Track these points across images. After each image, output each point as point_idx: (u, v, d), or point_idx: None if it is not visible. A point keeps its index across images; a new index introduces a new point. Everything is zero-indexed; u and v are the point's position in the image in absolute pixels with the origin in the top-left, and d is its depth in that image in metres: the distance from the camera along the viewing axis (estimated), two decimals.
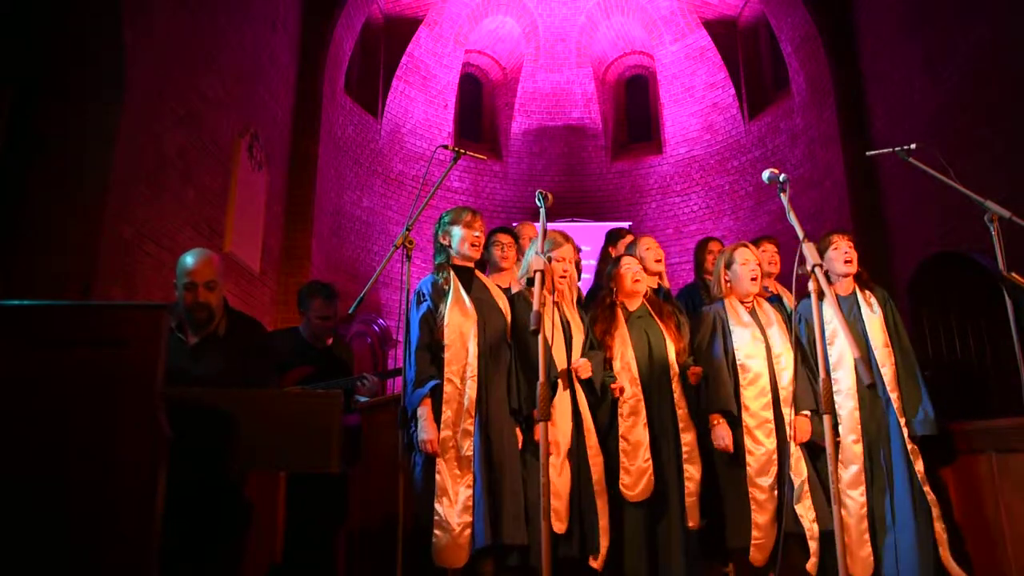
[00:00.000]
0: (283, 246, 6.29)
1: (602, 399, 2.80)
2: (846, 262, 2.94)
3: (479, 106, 9.73)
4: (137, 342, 1.47)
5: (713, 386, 2.84)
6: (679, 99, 9.13)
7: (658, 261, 3.43)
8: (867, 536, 2.68)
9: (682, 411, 2.83)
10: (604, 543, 2.56)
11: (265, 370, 2.66)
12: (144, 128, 3.88)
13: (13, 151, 3.40)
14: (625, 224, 8.66)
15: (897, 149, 2.84)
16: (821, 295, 2.01)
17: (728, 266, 3.02)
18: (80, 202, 3.46)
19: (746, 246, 3.07)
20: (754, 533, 2.67)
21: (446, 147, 2.76)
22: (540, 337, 2.02)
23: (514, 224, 4.64)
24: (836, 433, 2.78)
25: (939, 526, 2.62)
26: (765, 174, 2.22)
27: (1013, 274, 2.57)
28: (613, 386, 2.79)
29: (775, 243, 3.69)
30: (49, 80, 3.52)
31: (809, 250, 2.00)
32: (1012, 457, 2.65)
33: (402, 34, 8.53)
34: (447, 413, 2.49)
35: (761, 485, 2.71)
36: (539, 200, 2.46)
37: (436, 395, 2.52)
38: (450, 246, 2.74)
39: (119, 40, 3.62)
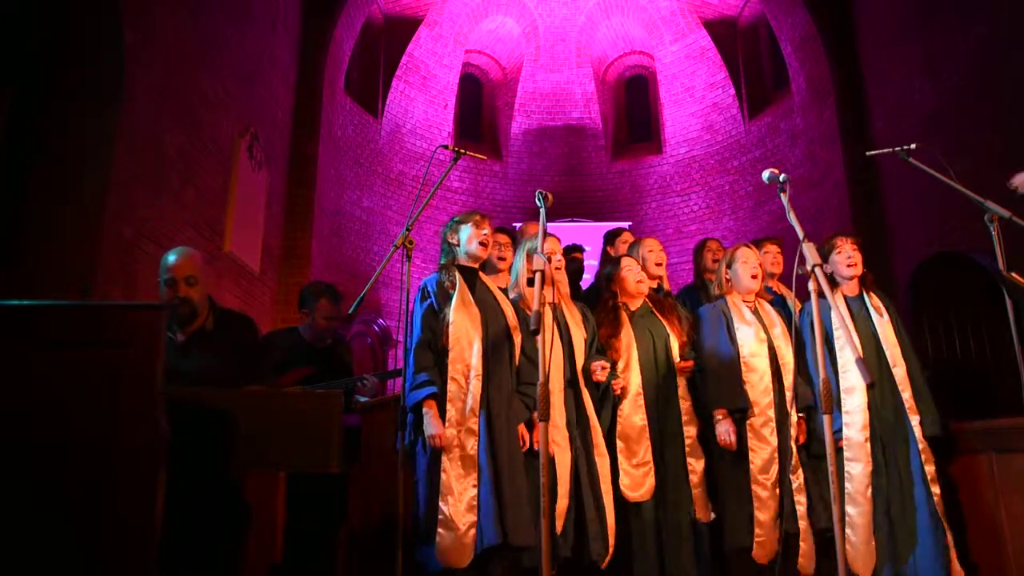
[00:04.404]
0: (283, 246, 6.29)
1: (603, 399, 2.82)
2: (849, 265, 2.93)
3: (479, 106, 9.73)
4: (137, 342, 1.47)
5: (722, 381, 2.84)
6: (679, 99, 9.13)
7: (659, 264, 3.38)
8: (872, 534, 2.67)
9: (686, 404, 2.85)
10: (610, 543, 2.56)
11: (259, 365, 2.67)
12: (144, 128, 3.88)
13: (13, 151, 3.39)
14: (625, 224, 8.66)
15: (897, 149, 2.84)
16: (821, 295, 2.00)
17: (729, 265, 3.06)
18: (80, 202, 3.46)
19: (747, 246, 3.10)
20: (756, 531, 2.67)
21: (446, 147, 2.76)
22: (540, 337, 2.02)
23: (517, 225, 4.63)
24: (840, 432, 2.78)
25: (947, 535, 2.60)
26: (765, 174, 2.22)
27: (1013, 274, 2.56)
28: (613, 383, 2.80)
29: (778, 244, 3.69)
30: (49, 80, 3.52)
31: (809, 250, 2.00)
32: (1012, 457, 2.65)
33: (402, 34, 8.53)
34: (451, 412, 2.48)
35: (763, 483, 2.72)
36: (539, 200, 2.46)
37: (439, 394, 2.51)
38: (458, 245, 2.74)
39: (119, 40, 3.62)
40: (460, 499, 2.39)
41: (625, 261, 3.08)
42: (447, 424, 2.47)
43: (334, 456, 1.81)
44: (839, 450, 2.76)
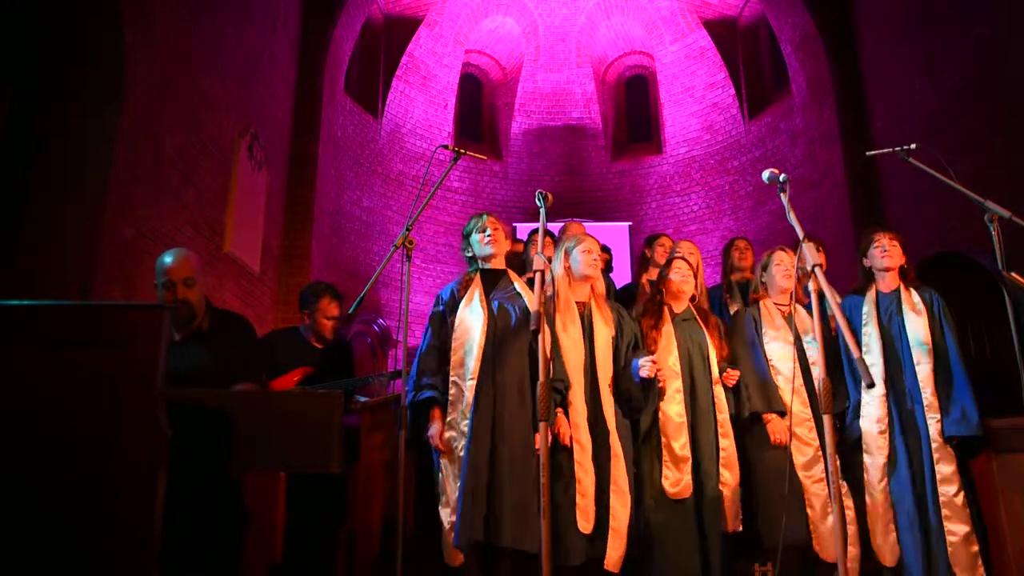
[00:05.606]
0: (283, 246, 6.29)
1: (650, 396, 2.79)
2: (885, 255, 2.94)
3: (479, 106, 9.73)
4: (137, 342, 1.47)
5: (757, 386, 2.89)
6: (679, 99, 9.13)
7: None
8: (892, 525, 2.70)
9: (723, 415, 2.85)
10: (618, 545, 2.54)
11: (254, 364, 2.68)
12: (144, 128, 3.88)
13: (13, 151, 3.39)
14: (625, 224, 8.67)
15: (897, 149, 2.85)
16: (821, 295, 2.01)
17: (764, 269, 3.13)
18: (80, 202, 3.46)
19: (783, 250, 3.16)
20: (811, 527, 2.71)
21: (446, 147, 2.77)
22: (540, 337, 2.02)
23: (517, 226, 4.66)
24: (854, 429, 2.81)
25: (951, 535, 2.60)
26: (765, 174, 2.22)
27: (1013, 274, 2.56)
28: (660, 377, 2.78)
29: (815, 244, 3.63)
30: (49, 80, 3.52)
31: (809, 250, 2.01)
32: (1012, 457, 2.65)
33: (402, 34, 8.53)
34: (451, 415, 2.56)
35: (808, 479, 2.77)
36: (539, 200, 2.47)
37: (442, 397, 2.60)
38: (475, 255, 2.83)
39: (119, 40, 3.62)
40: (450, 500, 2.48)
41: (677, 263, 3.11)
42: (447, 427, 2.55)
43: (334, 456, 1.81)
44: (858, 444, 2.80)
